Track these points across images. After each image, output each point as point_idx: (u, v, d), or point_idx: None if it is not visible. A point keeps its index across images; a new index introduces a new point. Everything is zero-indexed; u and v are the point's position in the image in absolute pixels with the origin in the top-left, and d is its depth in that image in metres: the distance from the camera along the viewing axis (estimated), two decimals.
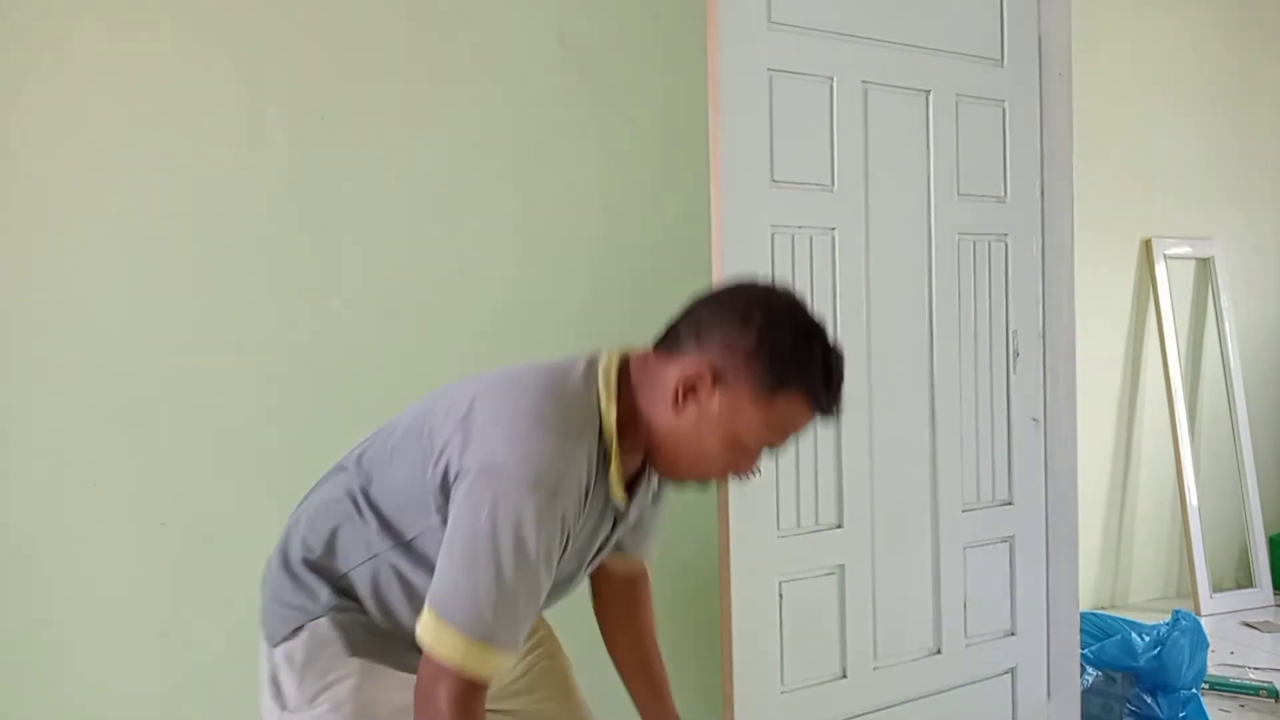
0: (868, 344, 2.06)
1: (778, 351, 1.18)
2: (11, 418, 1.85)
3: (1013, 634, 2.27)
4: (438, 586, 1.12)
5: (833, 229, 2.02)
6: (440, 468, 1.17)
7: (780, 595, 1.97)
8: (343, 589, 1.27)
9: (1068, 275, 2.30)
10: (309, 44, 1.97)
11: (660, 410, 1.21)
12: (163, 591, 1.93)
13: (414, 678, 1.16)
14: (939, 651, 2.17)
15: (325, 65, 1.98)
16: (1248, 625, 3.59)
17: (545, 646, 1.52)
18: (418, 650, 1.16)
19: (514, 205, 2.12)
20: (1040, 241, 2.28)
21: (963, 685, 2.19)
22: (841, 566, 2.04)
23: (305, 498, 1.43)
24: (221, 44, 1.93)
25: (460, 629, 1.10)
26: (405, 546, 1.24)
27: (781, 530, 1.97)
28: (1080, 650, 2.42)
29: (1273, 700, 2.90)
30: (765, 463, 1.32)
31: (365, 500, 1.28)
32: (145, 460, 1.91)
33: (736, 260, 1.88)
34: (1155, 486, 3.86)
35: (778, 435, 1.22)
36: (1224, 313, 3.92)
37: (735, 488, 1.89)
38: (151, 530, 1.92)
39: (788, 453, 1.97)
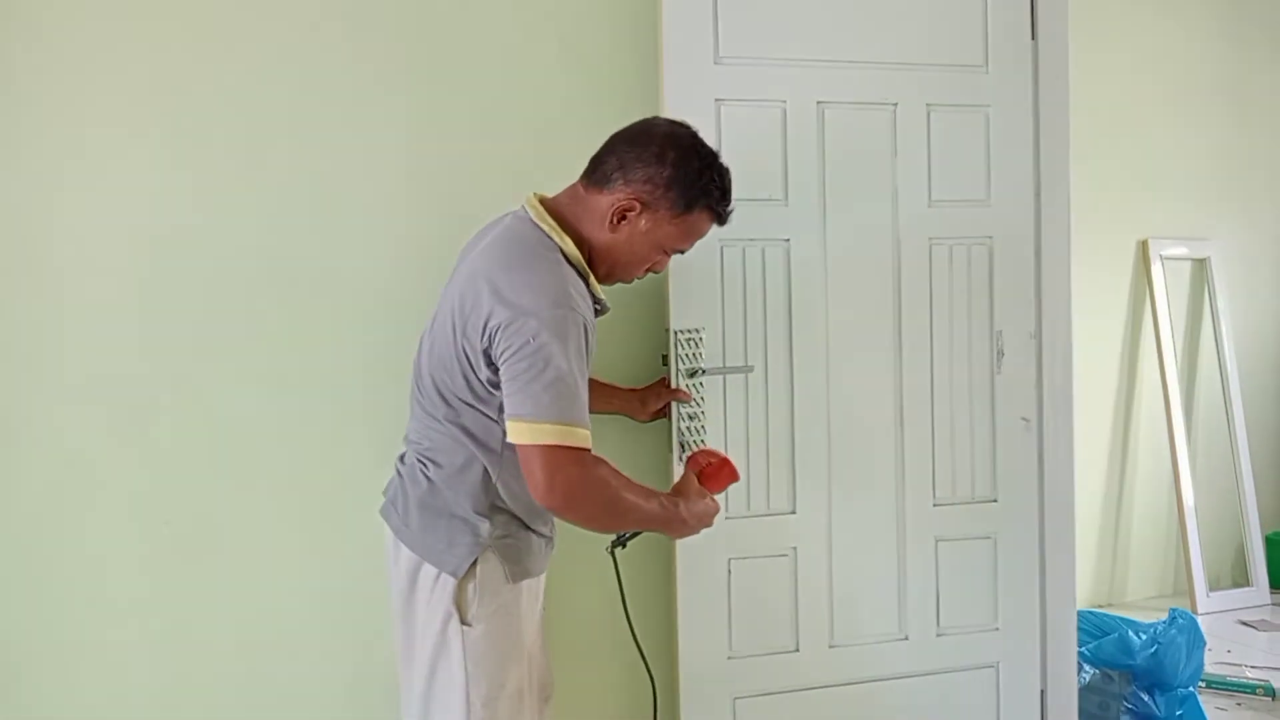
0: (826, 345, 2.15)
1: (688, 180, 1.56)
2: (14, 418, 1.86)
3: (996, 629, 2.30)
4: (522, 400, 1.41)
5: (786, 240, 2.13)
6: (481, 347, 1.46)
7: (729, 571, 2.11)
8: (496, 509, 1.56)
9: (1064, 276, 2.31)
10: (309, 45, 1.98)
11: (598, 232, 1.57)
12: (165, 591, 1.94)
13: (543, 577, 1.67)
14: (906, 638, 2.23)
15: (326, 66, 1.99)
16: (1244, 624, 3.60)
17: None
18: (549, 542, 1.65)
19: (514, 205, 2.13)
20: (1035, 243, 2.29)
21: (936, 673, 2.25)
22: (794, 549, 2.16)
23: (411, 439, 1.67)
24: (224, 46, 1.94)
25: (555, 419, 1.40)
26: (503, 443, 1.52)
27: (730, 513, 2.07)
28: (1077, 648, 2.43)
29: (1269, 698, 2.91)
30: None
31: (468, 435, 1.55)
32: (149, 461, 1.92)
33: (687, 269, 2.01)
34: (1152, 485, 3.88)
35: (687, 242, 1.64)
36: (1220, 313, 3.93)
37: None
38: (155, 530, 1.93)
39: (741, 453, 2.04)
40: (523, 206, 1.59)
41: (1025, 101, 2.27)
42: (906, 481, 2.22)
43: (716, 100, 2.06)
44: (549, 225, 1.54)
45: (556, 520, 1.70)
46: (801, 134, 2.12)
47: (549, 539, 1.68)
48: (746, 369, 2.10)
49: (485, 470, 1.54)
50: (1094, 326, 3.62)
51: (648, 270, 1.67)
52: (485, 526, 1.54)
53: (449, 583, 1.52)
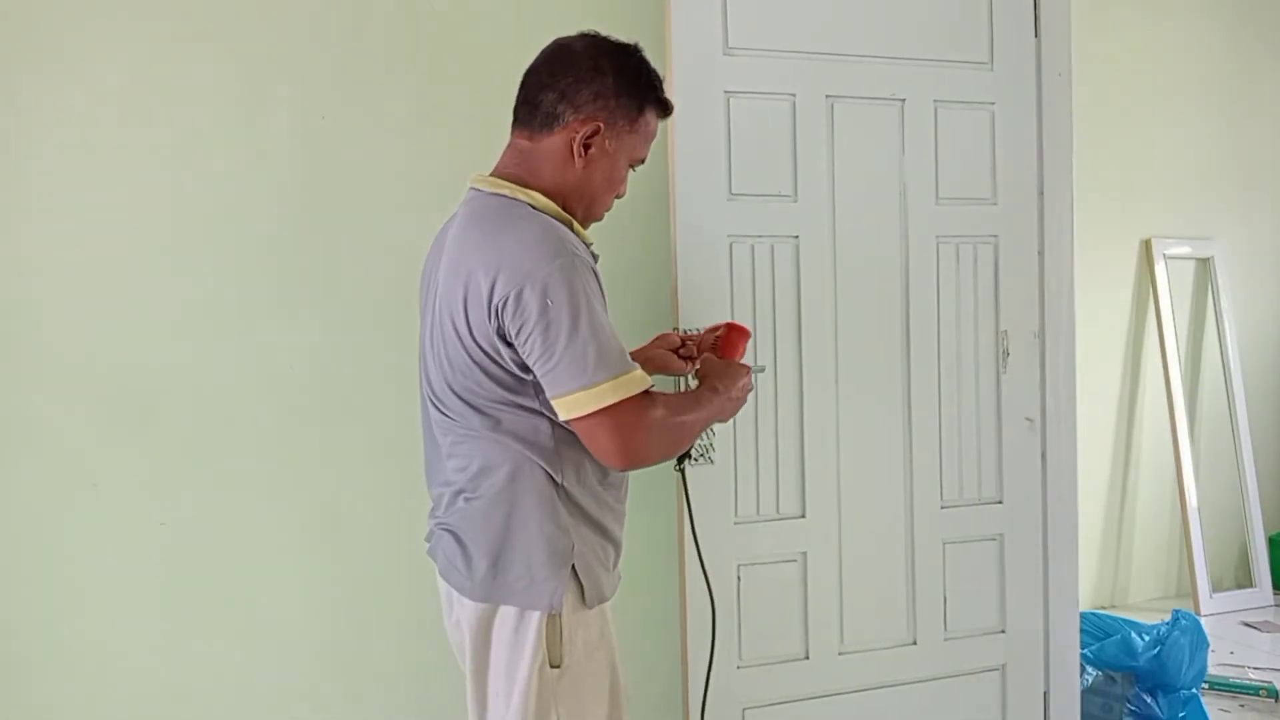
0: (835, 346, 2.12)
1: (630, 80, 1.46)
2: (12, 418, 1.85)
3: (1002, 632, 2.28)
4: (566, 372, 1.30)
5: (796, 237, 2.09)
6: (494, 328, 1.33)
7: (738, 578, 2.07)
8: (569, 515, 1.41)
9: (1067, 275, 2.30)
10: (310, 46, 1.98)
11: (565, 173, 1.45)
12: (163, 591, 1.93)
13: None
14: (914, 643, 2.21)
15: (326, 67, 1.99)
16: (1247, 625, 3.59)
17: None
18: (618, 551, 1.49)
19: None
20: (1039, 242, 2.28)
21: (943, 678, 2.23)
22: (804, 554, 2.12)
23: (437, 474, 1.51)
24: (224, 46, 1.93)
25: (608, 375, 1.31)
26: (550, 423, 1.40)
27: (740, 517, 2.05)
28: (1080, 650, 2.42)
29: (1272, 700, 2.90)
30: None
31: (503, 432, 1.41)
32: (145, 460, 1.91)
33: (695, 266, 1.98)
34: (1155, 486, 3.86)
35: (645, 148, 1.53)
36: (1223, 313, 3.92)
37: (692, 479, 1.93)
38: (151, 530, 1.92)
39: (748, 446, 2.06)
40: (469, 190, 1.50)
41: (1029, 99, 2.26)
42: (915, 483, 2.20)
43: (726, 92, 2.02)
44: (508, 188, 1.43)
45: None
46: (811, 128, 2.09)
47: (619, 548, 1.52)
48: (758, 369, 2.07)
49: (545, 473, 1.40)
50: (1097, 326, 3.62)
51: (616, 196, 1.55)
52: (563, 542, 1.39)
53: (533, 622, 1.38)
